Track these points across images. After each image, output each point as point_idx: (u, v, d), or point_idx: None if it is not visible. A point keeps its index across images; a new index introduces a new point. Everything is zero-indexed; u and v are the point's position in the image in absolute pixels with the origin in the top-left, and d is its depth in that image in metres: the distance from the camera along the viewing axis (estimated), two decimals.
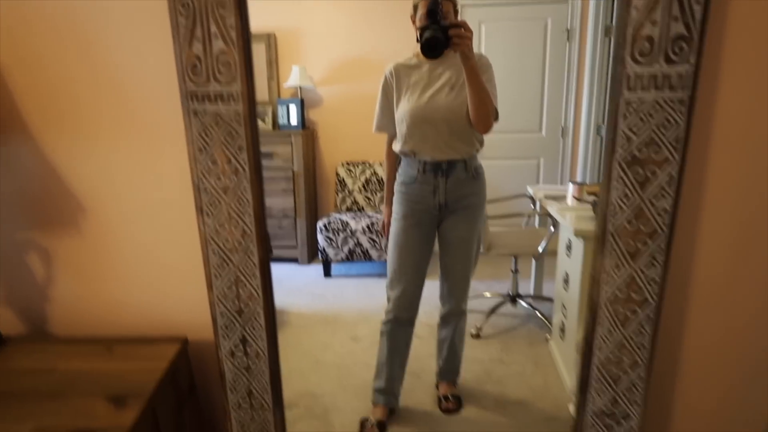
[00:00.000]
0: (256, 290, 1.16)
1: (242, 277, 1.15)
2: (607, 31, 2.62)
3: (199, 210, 1.12)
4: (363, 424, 1.94)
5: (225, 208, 1.11)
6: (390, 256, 1.91)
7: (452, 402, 2.03)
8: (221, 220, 1.12)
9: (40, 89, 1.20)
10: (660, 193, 1.02)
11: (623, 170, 1.02)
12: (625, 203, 1.03)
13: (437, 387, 2.13)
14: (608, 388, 1.17)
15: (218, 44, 1.00)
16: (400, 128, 1.82)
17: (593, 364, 1.16)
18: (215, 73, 1.01)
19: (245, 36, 1.00)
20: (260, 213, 1.11)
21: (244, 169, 1.08)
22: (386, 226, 2.03)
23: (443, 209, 1.86)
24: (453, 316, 2.02)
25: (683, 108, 0.96)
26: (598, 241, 1.07)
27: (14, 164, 1.25)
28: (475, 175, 1.85)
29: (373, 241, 3.24)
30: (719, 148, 1.08)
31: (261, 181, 1.10)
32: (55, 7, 1.14)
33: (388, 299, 1.93)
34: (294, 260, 3.51)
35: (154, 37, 1.12)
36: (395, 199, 1.91)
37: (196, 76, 1.02)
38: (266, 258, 1.14)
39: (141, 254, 1.30)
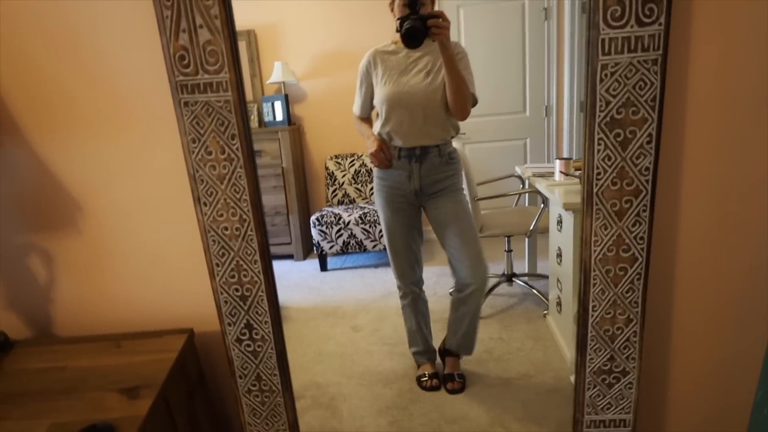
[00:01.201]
0: (257, 275, 1.18)
1: (243, 264, 1.18)
2: (584, 8, 2.64)
3: (197, 200, 1.14)
4: (419, 379, 2.08)
5: (222, 197, 1.13)
6: (385, 241, 2.05)
7: (457, 382, 2.06)
8: (219, 208, 1.14)
9: (31, 91, 1.20)
10: (641, 153, 1.06)
11: (604, 132, 1.05)
12: (608, 164, 1.07)
13: (443, 364, 2.15)
14: (605, 345, 1.21)
15: (204, 34, 1.02)
16: (380, 112, 1.87)
17: (589, 324, 1.20)
18: (203, 63, 1.03)
19: (230, 25, 1.02)
20: (256, 199, 1.13)
21: (237, 157, 1.10)
22: (378, 150, 1.89)
23: (420, 194, 1.90)
24: (470, 290, 1.93)
25: (657, 68, 1.00)
26: (585, 204, 1.10)
27: (9, 167, 1.26)
28: (448, 159, 1.89)
29: (367, 231, 3.27)
30: (696, 105, 1.11)
31: (255, 168, 1.12)
32: (43, 8, 1.16)
33: (396, 278, 2.10)
34: (289, 257, 3.52)
35: (141, 31, 1.13)
36: (376, 188, 1.98)
37: (184, 68, 1.04)
38: (265, 243, 1.17)
39: (141, 249, 1.32)
